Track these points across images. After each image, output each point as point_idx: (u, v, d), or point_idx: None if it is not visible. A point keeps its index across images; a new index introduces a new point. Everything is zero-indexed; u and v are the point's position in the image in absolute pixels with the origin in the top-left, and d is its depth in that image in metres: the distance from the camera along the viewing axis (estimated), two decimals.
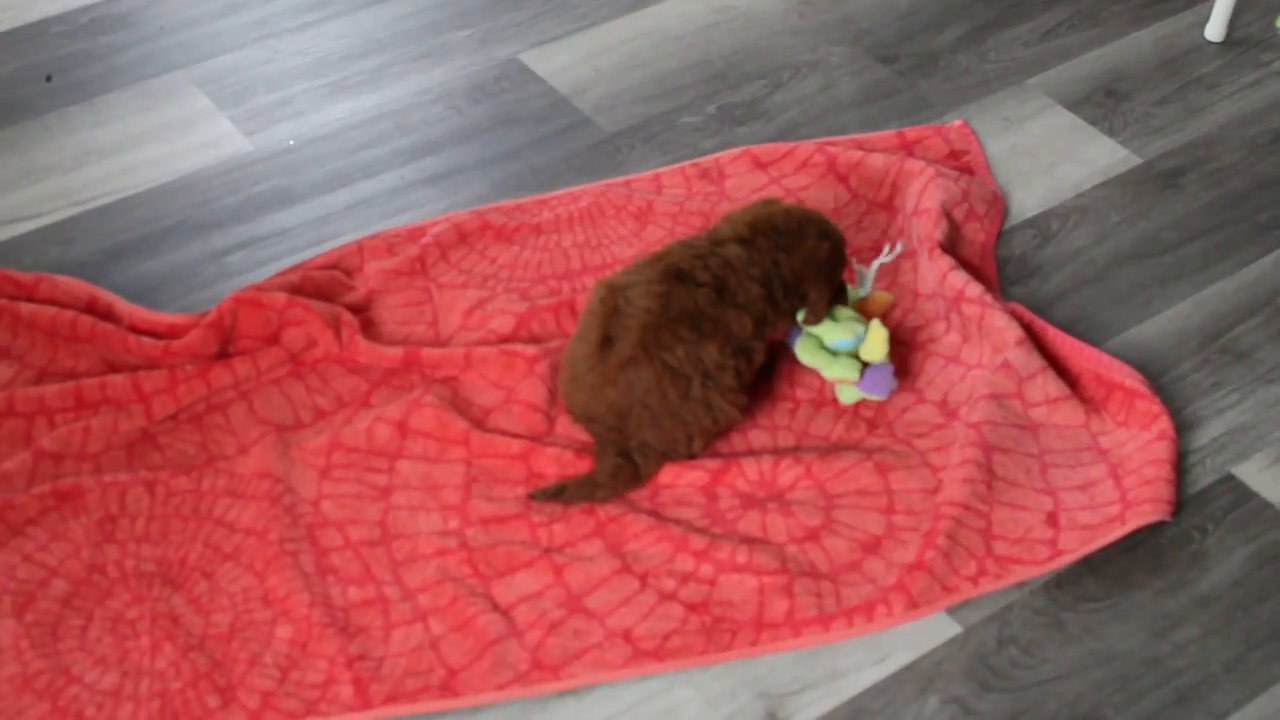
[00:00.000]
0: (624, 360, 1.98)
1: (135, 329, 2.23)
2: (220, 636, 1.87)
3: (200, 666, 1.84)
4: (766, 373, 2.13)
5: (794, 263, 2.07)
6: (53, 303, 2.26)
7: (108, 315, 2.26)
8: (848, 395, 2.11)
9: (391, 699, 1.81)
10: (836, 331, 2.09)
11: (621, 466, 2.00)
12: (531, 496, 2.00)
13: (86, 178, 2.52)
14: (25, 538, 1.98)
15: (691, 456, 2.04)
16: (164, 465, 2.07)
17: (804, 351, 2.10)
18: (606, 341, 2.00)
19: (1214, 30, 2.72)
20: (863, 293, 2.16)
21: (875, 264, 2.20)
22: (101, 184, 2.51)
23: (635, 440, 2.01)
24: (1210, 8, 2.76)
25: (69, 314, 2.22)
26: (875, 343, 2.08)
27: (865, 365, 2.09)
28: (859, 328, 2.09)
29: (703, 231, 2.13)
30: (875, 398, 2.10)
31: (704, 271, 2.02)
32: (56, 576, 1.94)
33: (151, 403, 2.13)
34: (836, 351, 2.10)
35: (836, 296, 2.12)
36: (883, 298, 2.16)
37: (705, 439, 2.03)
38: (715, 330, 2.00)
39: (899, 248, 2.23)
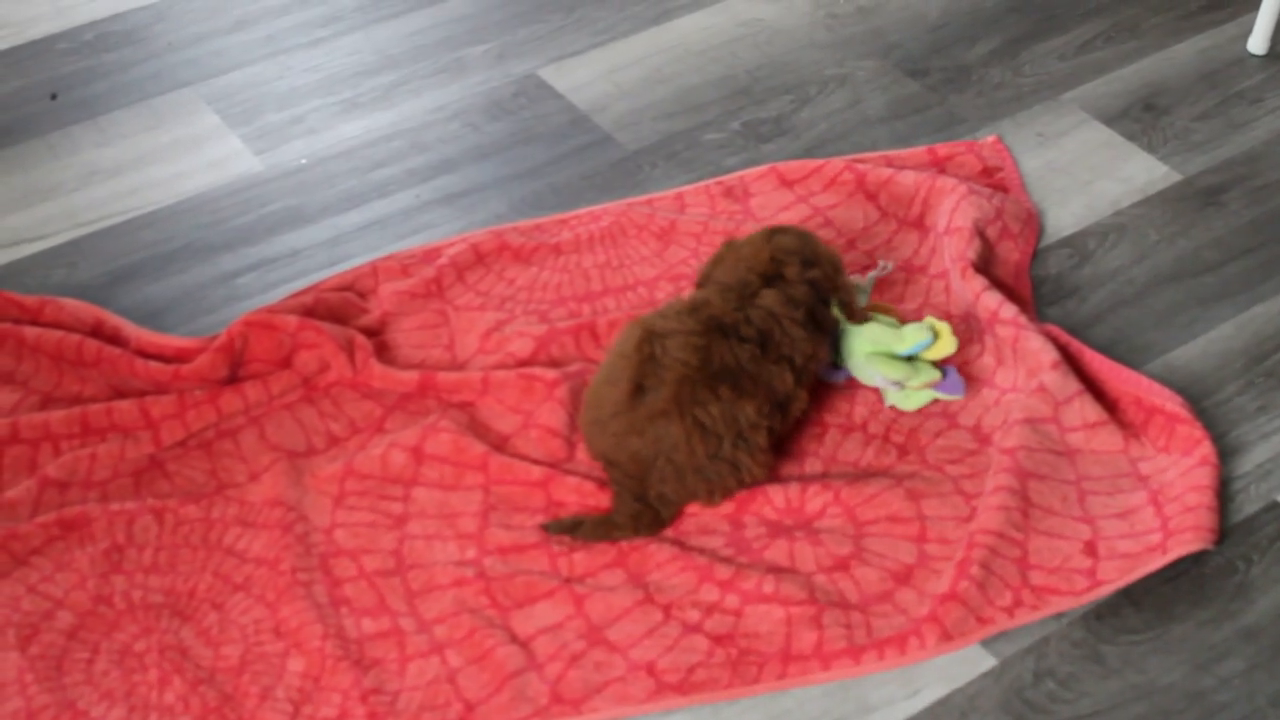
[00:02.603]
0: (655, 413, 1.98)
1: (143, 353, 2.24)
2: (230, 669, 1.87)
3: (210, 701, 1.84)
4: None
5: (822, 275, 2.09)
6: (58, 326, 2.27)
7: (114, 339, 2.27)
8: (918, 400, 2.12)
9: None
10: (912, 336, 2.11)
11: (641, 512, 2.00)
12: (545, 529, 2.01)
13: (92, 198, 2.53)
14: (30, 568, 1.99)
15: (710, 505, 2.05)
16: (172, 493, 2.08)
17: (873, 365, 2.11)
18: (638, 390, 1.99)
19: (1257, 43, 2.72)
20: (860, 304, 2.18)
21: (871, 276, 2.23)
22: (107, 204, 2.52)
23: (654, 491, 2.00)
24: (1253, 19, 2.76)
25: (75, 338, 2.23)
26: (946, 342, 2.11)
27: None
28: (924, 330, 2.11)
29: (730, 278, 2.10)
30: (956, 398, 2.12)
31: (748, 326, 2.02)
32: (62, 608, 1.95)
33: (160, 429, 2.14)
34: (913, 357, 2.12)
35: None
36: (891, 309, 2.20)
37: (726, 495, 2.03)
38: (755, 389, 2.00)
39: (890, 266, 2.26)
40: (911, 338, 2.12)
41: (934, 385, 2.13)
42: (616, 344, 2.05)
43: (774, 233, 2.12)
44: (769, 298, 2.05)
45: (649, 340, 2.00)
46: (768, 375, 2.01)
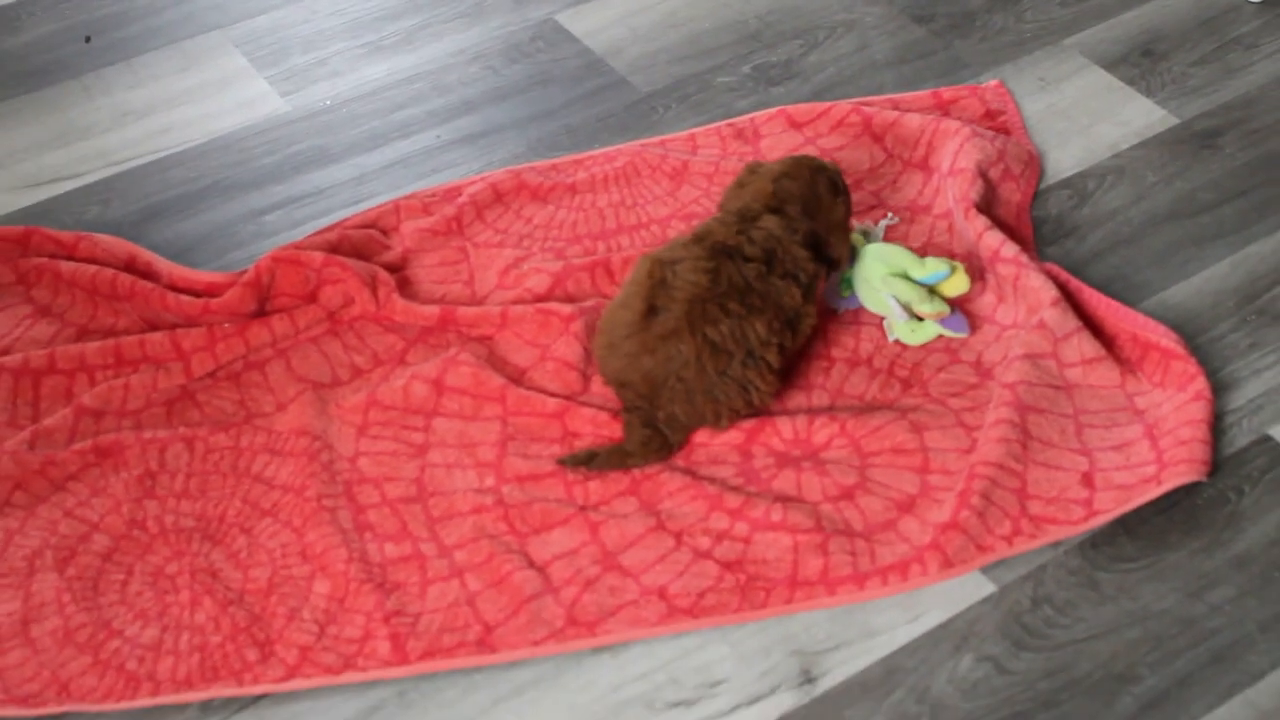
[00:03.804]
0: (667, 331, 1.97)
1: (174, 287, 2.24)
2: (259, 591, 1.88)
3: (239, 621, 1.85)
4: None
5: (820, 226, 2.09)
6: (93, 261, 2.27)
7: (147, 274, 2.27)
8: (923, 334, 2.12)
9: (428, 654, 1.81)
10: (933, 264, 2.13)
11: (651, 437, 2.00)
12: (561, 462, 2.00)
13: (124, 138, 2.53)
14: (66, 493, 1.99)
15: (717, 430, 2.04)
16: (203, 422, 2.08)
17: (889, 286, 2.12)
18: (651, 311, 1.99)
19: None
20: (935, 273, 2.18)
21: (882, 224, 2.26)
22: (139, 144, 2.52)
23: (664, 412, 2.00)
24: None
25: (109, 272, 2.23)
26: (961, 280, 2.13)
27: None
28: (943, 263, 2.13)
29: (728, 210, 2.11)
30: (960, 335, 2.13)
31: (751, 246, 2.02)
32: (97, 531, 1.95)
33: (190, 360, 2.14)
34: (930, 285, 2.13)
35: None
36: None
37: (734, 418, 2.02)
38: (764, 305, 2.00)
39: (897, 219, 2.28)
40: (932, 265, 2.14)
41: (940, 320, 2.12)
42: (629, 276, 2.05)
43: (783, 174, 2.11)
44: (770, 221, 2.05)
45: (659, 267, 2.00)
46: (776, 292, 2.01)
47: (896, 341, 2.14)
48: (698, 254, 2.01)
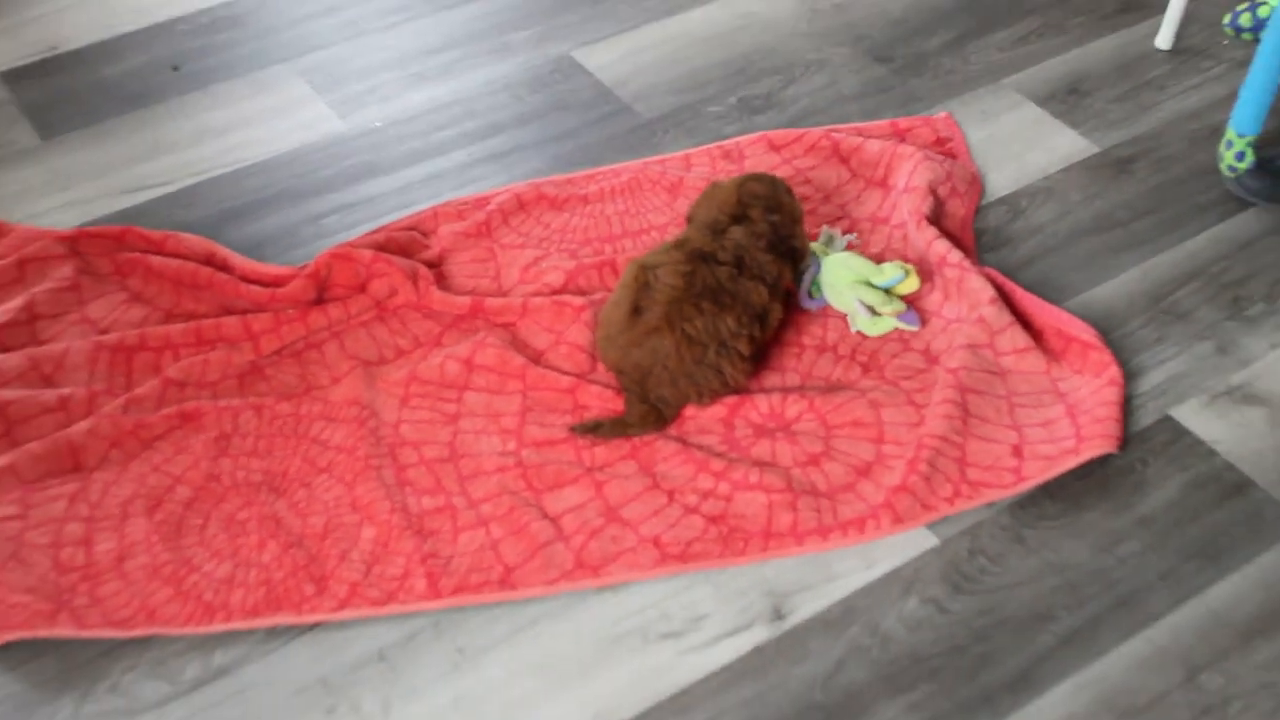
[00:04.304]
0: (650, 329, 1.98)
1: (246, 279, 2.24)
2: (316, 535, 1.89)
3: (299, 560, 1.86)
4: (785, 313, 2.13)
5: (783, 220, 2.10)
6: (178, 256, 2.28)
7: (223, 267, 2.27)
8: (881, 327, 2.12)
9: (458, 591, 1.82)
10: (890, 270, 2.14)
11: (648, 412, 2.00)
12: (572, 430, 2.01)
13: (205, 152, 2.53)
14: (154, 451, 2.00)
15: (703, 406, 2.04)
16: (269, 392, 2.08)
17: (855, 291, 2.12)
18: (636, 311, 2.00)
19: (1163, 40, 2.70)
20: (833, 251, 2.19)
21: (845, 238, 2.25)
22: (217, 158, 2.52)
23: (654, 395, 2.01)
24: (1160, 20, 2.73)
25: (191, 265, 2.23)
26: (913, 281, 2.14)
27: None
28: (898, 268, 2.13)
29: (696, 223, 2.11)
30: (913, 328, 2.13)
31: (723, 252, 2.03)
32: (180, 484, 1.96)
33: (259, 340, 2.14)
34: (888, 289, 2.13)
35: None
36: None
37: (713, 397, 2.03)
38: (734, 303, 2.00)
39: (858, 240, 2.28)
40: (889, 272, 2.14)
41: (897, 315, 2.12)
42: (621, 278, 2.06)
43: (746, 180, 2.12)
44: (736, 232, 2.06)
45: (644, 272, 2.01)
46: (745, 291, 2.02)
47: (859, 333, 2.14)
48: (677, 259, 2.01)
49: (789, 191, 2.15)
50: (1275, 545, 1.88)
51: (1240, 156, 2.32)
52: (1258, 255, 2.27)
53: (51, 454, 1.97)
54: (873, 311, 2.12)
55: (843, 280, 2.14)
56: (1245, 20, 2.69)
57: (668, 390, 2.00)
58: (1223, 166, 2.35)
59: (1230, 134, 2.32)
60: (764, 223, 2.08)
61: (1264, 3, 2.68)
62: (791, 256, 2.12)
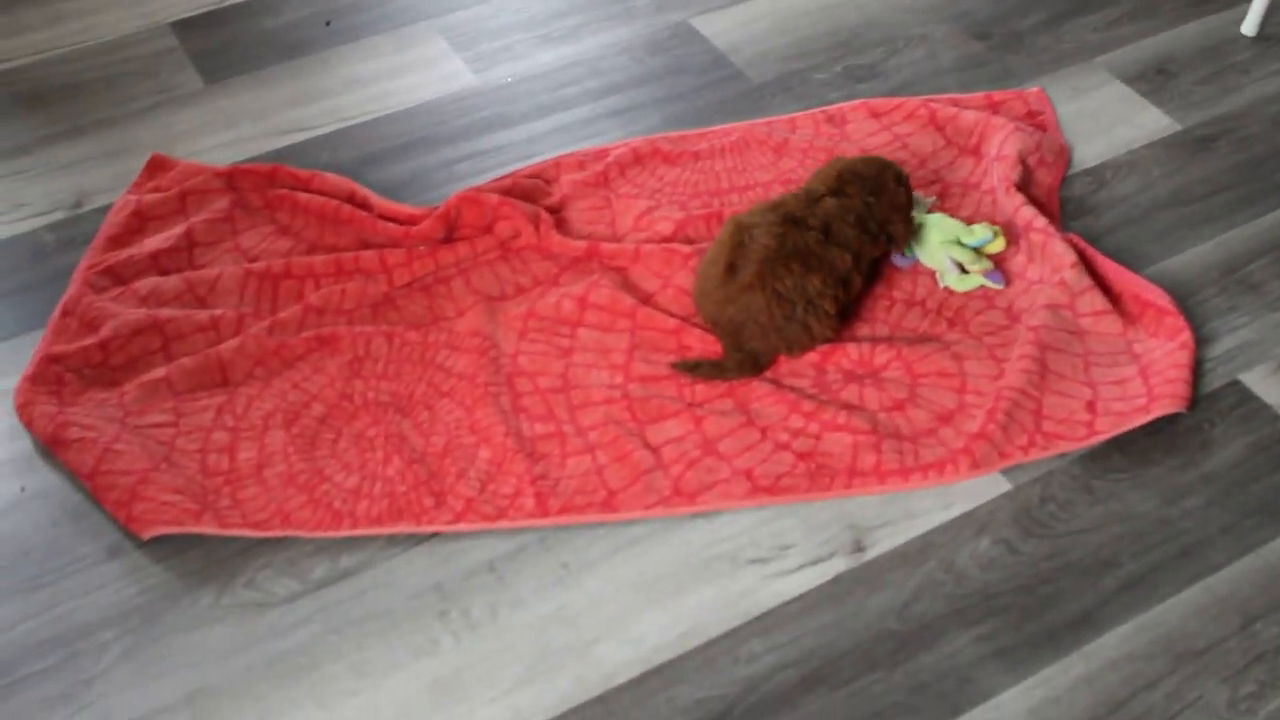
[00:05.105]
0: (744, 286, 1.95)
1: (383, 217, 2.24)
2: (436, 454, 1.88)
3: (420, 476, 1.85)
4: (870, 283, 2.09)
5: (882, 207, 2.04)
6: (322, 193, 2.27)
7: (363, 205, 2.26)
8: (969, 284, 2.08)
9: (564, 510, 1.81)
10: (980, 231, 2.10)
11: (744, 360, 1.97)
12: (673, 366, 1.98)
13: (351, 100, 2.52)
14: (294, 370, 2.00)
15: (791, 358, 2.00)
16: (400, 321, 2.08)
17: (947, 249, 2.07)
18: (731, 269, 1.96)
19: (1249, 26, 2.61)
20: (917, 212, 2.14)
21: (929, 200, 2.20)
22: (363, 105, 2.51)
23: (748, 347, 1.97)
24: (1247, 7, 2.64)
25: (334, 203, 2.23)
26: (1000, 241, 2.10)
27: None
28: (988, 229, 2.09)
29: (798, 189, 2.08)
30: (998, 287, 2.08)
31: (813, 218, 1.99)
32: (316, 401, 1.96)
33: (393, 273, 2.13)
34: (977, 248, 2.09)
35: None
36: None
37: (802, 350, 1.99)
38: (821, 265, 1.96)
39: (935, 200, 2.21)
40: (979, 233, 2.10)
41: (985, 273, 2.07)
42: (719, 236, 2.03)
43: (859, 160, 2.08)
44: (829, 203, 2.01)
45: (739, 231, 1.98)
46: (831, 256, 1.98)
47: (946, 289, 2.09)
48: (771, 220, 1.98)
49: (900, 179, 2.08)
50: None
51: None
52: None
53: (202, 369, 1.98)
54: (962, 269, 2.07)
55: (935, 239, 2.09)
56: None
57: (759, 343, 1.97)
58: None
59: None
60: (859, 200, 2.03)
61: None
62: (883, 237, 2.06)
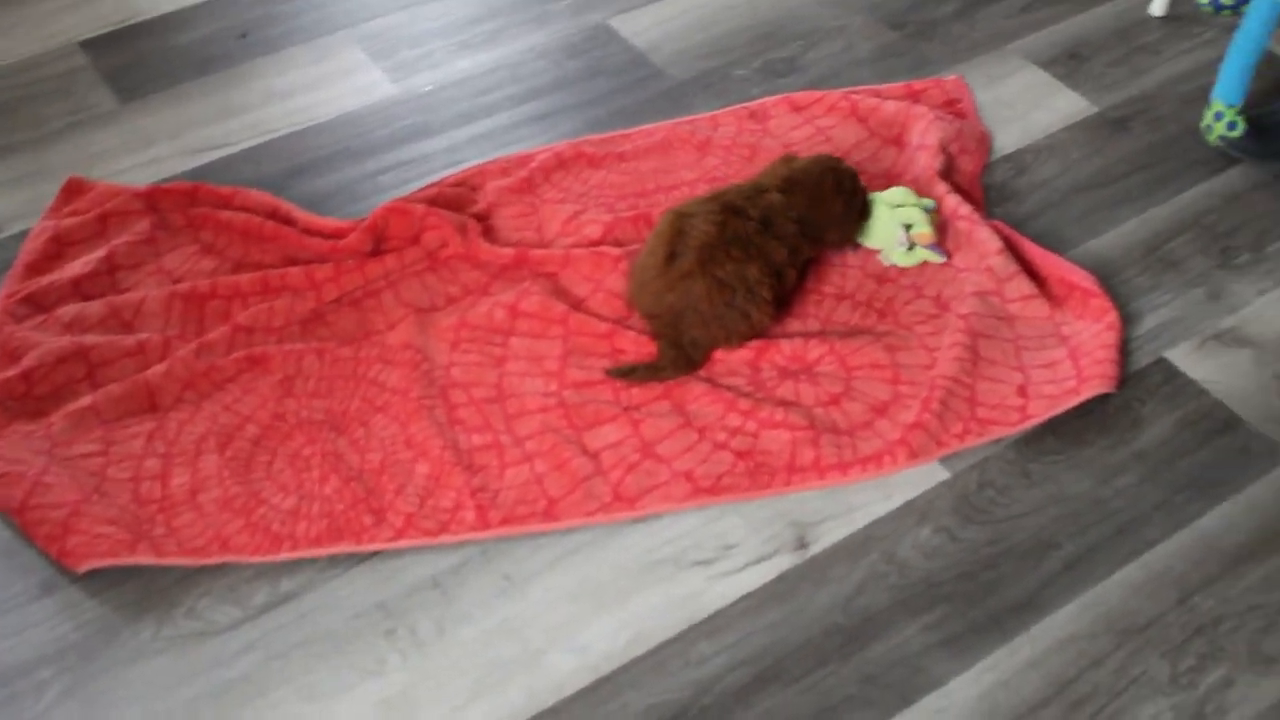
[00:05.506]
0: (684, 272, 1.94)
1: (308, 231, 2.20)
2: (374, 470, 1.85)
3: (359, 493, 1.82)
4: (802, 280, 2.08)
5: (819, 217, 2.04)
6: (245, 210, 2.24)
7: (287, 220, 2.23)
8: (913, 258, 2.08)
9: (505, 522, 1.79)
10: (926, 199, 2.14)
11: (678, 356, 1.96)
12: (609, 373, 1.96)
13: (270, 114, 2.48)
14: (225, 392, 1.97)
15: (730, 349, 2.00)
16: (330, 337, 2.04)
17: (896, 217, 2.08)
18: (671, 257, 1.95)
19: (1158, 7, 2.63)
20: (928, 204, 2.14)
21: (931, 203, 2.15)
22: (282, 119, 2.47)
23: (687, 336, 1.96)
24: None
25: (257, 219, 2.19)
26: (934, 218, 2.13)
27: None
28: (930, 200, 2.14)
29: (744, 182, 2.07)
30: (941, 260, 2.09)
31: (753, 209, 1.98)
32: (249, 422, 1.92)
33: (321, 289, 2.10)
34: (928, 210, 2.12)
35: (863, 214, 2.11)
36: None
37: (741, 339, 1.98)
38: (759, 254, 1.96)
39: (934, 205, 2.17)
40: (926, 200, 2.12)
41: (929, 245, 2.08)
42: (655, 229, 2.02)
43: (812, 162, 2.07)
44: (773, 198, 2.01)
45: (678, 220, 1.97)
46: (768, 247, 1.97)
47: (893, 265, 2.10)
48: (710, 209, 1.97)
49: (842, 192, 2.06)
50: (1261, 477, 1.84)
51: (1232, 126, 2.26)
52: (1245, 208, 2.22)
53: (130, 395, 1.94)
54: (909, 245, 2.07)
55: (884, 212, 2.09)
56: None
57: (699, 331, 1.96)
58: (1211, 138, 2.29)
59: (1217, 105, 2.26)
60: (803, 201, 2.03)
61: None
62: (821, 241, 2.07)
